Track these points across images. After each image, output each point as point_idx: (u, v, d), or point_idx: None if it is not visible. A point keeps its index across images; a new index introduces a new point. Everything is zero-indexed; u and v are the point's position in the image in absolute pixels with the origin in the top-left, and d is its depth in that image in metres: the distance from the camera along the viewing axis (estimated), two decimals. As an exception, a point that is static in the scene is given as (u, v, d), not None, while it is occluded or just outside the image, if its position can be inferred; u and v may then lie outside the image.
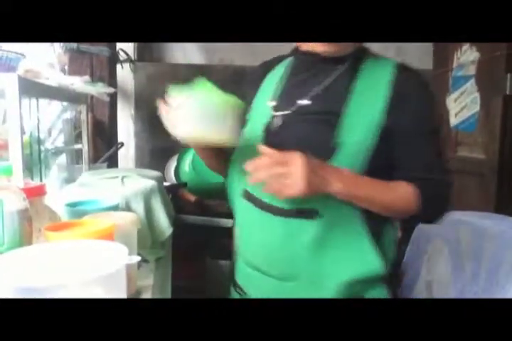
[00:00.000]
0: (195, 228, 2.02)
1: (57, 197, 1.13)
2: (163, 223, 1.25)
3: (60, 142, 1.90)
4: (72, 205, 0.99)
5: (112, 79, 2.18)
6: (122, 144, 2.26)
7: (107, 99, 1.89)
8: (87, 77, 1.71)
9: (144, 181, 1.26)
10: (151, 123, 2.67)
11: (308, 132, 0.87)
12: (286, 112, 0.90)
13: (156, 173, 1.45)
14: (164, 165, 2.42)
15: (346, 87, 0.87)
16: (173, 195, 2.04)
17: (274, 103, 0.93)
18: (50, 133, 1.85)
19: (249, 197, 0.92)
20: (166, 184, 1.95)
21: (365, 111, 0.85)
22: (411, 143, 0.86)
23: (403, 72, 0.88)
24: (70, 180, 1.67)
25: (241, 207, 0.95)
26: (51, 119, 1.84)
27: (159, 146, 2.67)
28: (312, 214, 0.84)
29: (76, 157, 1.89)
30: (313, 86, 0.90)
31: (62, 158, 1.87)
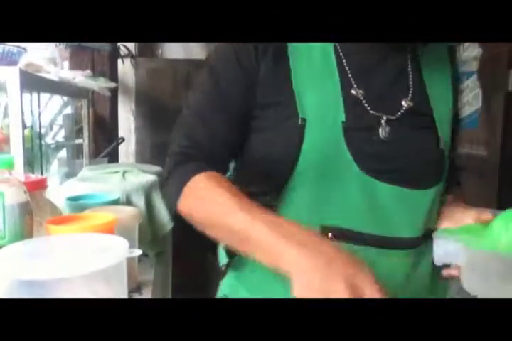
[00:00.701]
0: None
1: (58, 191, 1.13)
2: (164, 218, 1.25)
3: (60, 137, 1.90)
4: (73, 199, 0.99)
5: (113, 74, 2.17)
6: (123, 139, 2.25)
7: (108, 94, 1.88)
8: (88, 72, 1.70)
9: (144, 176, 1.25)
10: (151, 119, 2.67)
11: (417, 136, 0.74)
12: (391, 116, 0.73)
13: (156, 168, 1.45)
14: (164, 161, 2.42)
15: (419, 80, 0.76)
16: (174, 191, 2.03)
17: (361, 96, 0.72)
18: (51, 128, 1.85)
19: (341, 234, 0.70)
20: (166, 179, 1.95)
21: (444, 106, 0.76)
22: (456, 139, 0.83)
23: (455, 57, 0.79)
24: (70, 174, 1.67)
25: None
26: (52, 114, 1.84)
27: (160, 141, 2.67)
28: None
29: (77, 152, 1.90)
30: (391, 78, 0.75)
31: (63, 153, 1.87)
